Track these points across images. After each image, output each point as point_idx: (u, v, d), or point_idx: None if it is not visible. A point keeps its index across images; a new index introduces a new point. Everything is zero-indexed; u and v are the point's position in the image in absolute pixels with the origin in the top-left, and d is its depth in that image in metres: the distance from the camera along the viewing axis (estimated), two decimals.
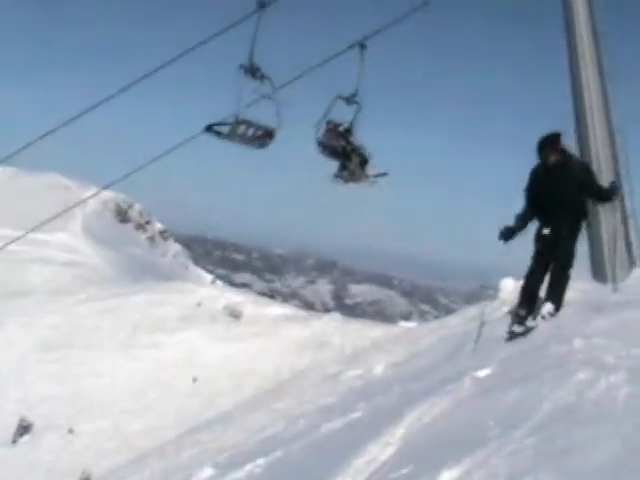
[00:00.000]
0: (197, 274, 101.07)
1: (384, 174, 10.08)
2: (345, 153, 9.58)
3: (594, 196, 11.14)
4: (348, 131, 9.55)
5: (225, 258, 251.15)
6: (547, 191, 10.63)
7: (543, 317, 10.67)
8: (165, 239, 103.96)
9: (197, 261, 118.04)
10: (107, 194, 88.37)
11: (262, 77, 8.65)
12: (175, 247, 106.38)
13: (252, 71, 8.51)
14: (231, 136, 8.96)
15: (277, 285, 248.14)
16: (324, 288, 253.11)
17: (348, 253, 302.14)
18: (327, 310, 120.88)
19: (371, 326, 50.43)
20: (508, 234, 10.85)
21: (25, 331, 51.52)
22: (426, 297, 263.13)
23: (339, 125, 9.58)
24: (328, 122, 9.58)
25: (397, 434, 8.29)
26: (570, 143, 11.22)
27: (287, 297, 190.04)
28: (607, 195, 11.32)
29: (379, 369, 19.76)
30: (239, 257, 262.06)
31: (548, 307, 10.75)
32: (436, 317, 78.01)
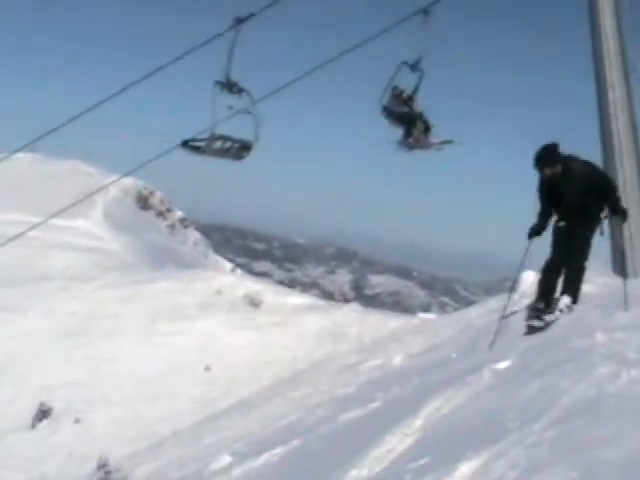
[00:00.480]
0: (217, 262, 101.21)
1: (450, 141, 10.07)
2: (409, 119, 9.59)
3: (602, 197, 11.05)
4: (411, 98, 9.57)
5: (245, 247, 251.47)
6: (555, 195, 10.80)
7: (561, 310, 10.67)
8: (185, 227, 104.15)
9: (217, 249, 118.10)
10: (128, 181, 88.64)
11: (240, 91, 8.65)
12: (195, 235, 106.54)
13: (229, 86, 8.52)
14: (207, 151, 8.99)
15: (297, 274, 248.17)
16: (344, 278, 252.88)
17: (368, 243, 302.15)
18: (346, 300, 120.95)
19: (390, 317, 50.35)
20: (534, 232, 10.99)
21: (45, 317, 51.83)
22: (445, 289, 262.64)
23: (404, 91, 9.59)
24: (394, 88, 9.59)
25: (415, 425, 8.27)
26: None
27: (307, 287, 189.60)
28: (613, 201, 11.17)
29: (398, 360, 19.74)
30: (259, 246, 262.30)
31: (565, 300, 10.76)
32: (456, 309, 77.76)
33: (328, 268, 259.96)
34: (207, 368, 43.12)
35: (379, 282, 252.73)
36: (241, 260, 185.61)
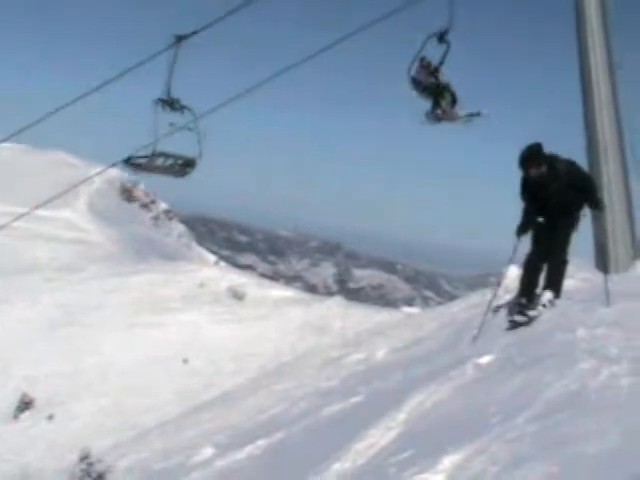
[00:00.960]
0: (201, 255, 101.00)
1: (477, 114, 10.05)
2: (437, 91, 9.61)
3: (583, 196, 11.16)
4: (437, 69, 9.59)
5: (229, 239, 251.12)
6: (540, 194, 10.88)
7: (544, 305, 10.76)
8: (170, 219, 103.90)
9: (201, 242, 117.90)
10: (112, 173, 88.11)
11: (182, 108, 8.69)
12: (179, 227, 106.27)
13: (170, 104, 8.56)
14: (148, 169, 9.04)
15: (280, 267, 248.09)
16: (327, 271, 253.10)
17: (352, 237, 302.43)
18: (330, 293, 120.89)
19: (374, 311, 50.41)
20: (522, 230, 11.09)
21: (30, 308, 51.70)
22: (429, 283, 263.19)
23: (431, 62, 9.61)
24: (422, 59, 9.59)
25: (398, 419, 8.32)
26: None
27: (290, 279, 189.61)
28: (594, 200, 11.30)
29: (381, 354, 19.80)
30: (243, 238, 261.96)
31: (547, 295, 10.85)
32: (439, 303, 77.93)
33: (312, 261, 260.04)
34: (185, 361, 43.14)
35: (363, 275, 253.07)
36: (225, 252, 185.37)
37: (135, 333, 47.20)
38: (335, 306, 50.04)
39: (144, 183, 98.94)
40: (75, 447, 22.10)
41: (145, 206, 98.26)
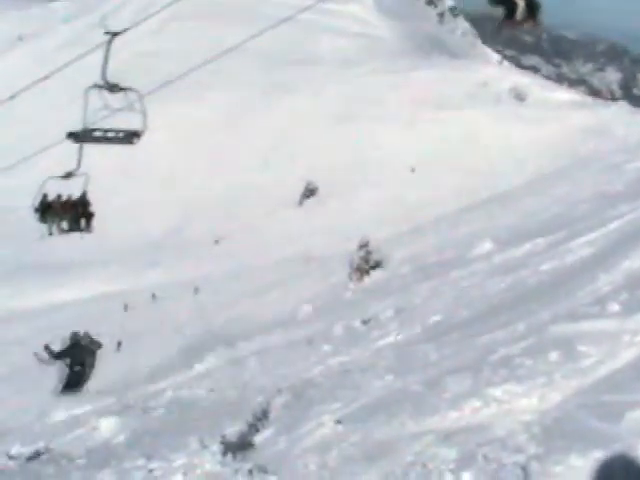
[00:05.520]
0: (484, 53, 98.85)
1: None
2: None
3: None
4: None
5: (514, 39, 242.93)
6: None
7: None
8: (455, 16, 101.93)
9: (485, 40, 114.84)
10: None
11: (122, 89, 9.10)
12: (464, 25, 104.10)
13: (109, 88, 8.99)
14: (89, 140, 9.65)
15: (565, 70, 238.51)
16: (612, 76, 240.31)
17: None
18: (614, 99, 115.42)
19: None
20: None
21: (314, 99, 53.30)
22: None
23: None
24: None
25: None
26: None
27: (574, 83, 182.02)
28: None
29: None
30: (528, 39, 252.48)
31: None
32: None
33: (597, 65, 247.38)
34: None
35: None
36: (509, 52, 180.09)
37: (415, 129, 47.62)
38: (619, 112, 47.80)
39: None
40: (354, 235, 22.79)
41: (431, 2, 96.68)
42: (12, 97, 10.78)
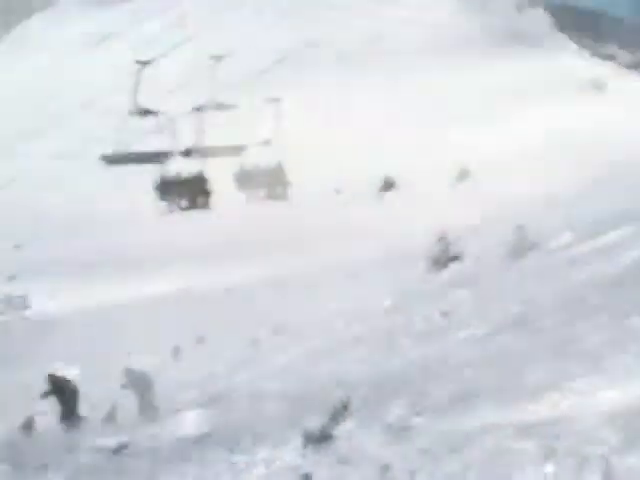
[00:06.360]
0: (563, 43, 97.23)
1: None
2: None
3: None
4: None
5: (593, 28, 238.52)
6: None
7: None
8: (533, 6, 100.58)
9: (564, 29, 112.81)
10: None
11: (151, 113, 9.12)
12: (542, 14, 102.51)
13: (140, 113, 9.08)
14: (123, 162, 9.80)
15: None
16: None
17: None
18: None
19: None
20: None
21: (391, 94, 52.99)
22: None
23: None
24: None
25: None
26: None
27: None
28: None
29: None
30: (607, 28, 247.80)
31: None
32: None
33: None
34: (541, 153, 42.63)
35: None
36: (587, 42, 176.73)
37: (492, 122, 47.28)
38: None
39: None
40: (433, 228, 22.61)
41: None
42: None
